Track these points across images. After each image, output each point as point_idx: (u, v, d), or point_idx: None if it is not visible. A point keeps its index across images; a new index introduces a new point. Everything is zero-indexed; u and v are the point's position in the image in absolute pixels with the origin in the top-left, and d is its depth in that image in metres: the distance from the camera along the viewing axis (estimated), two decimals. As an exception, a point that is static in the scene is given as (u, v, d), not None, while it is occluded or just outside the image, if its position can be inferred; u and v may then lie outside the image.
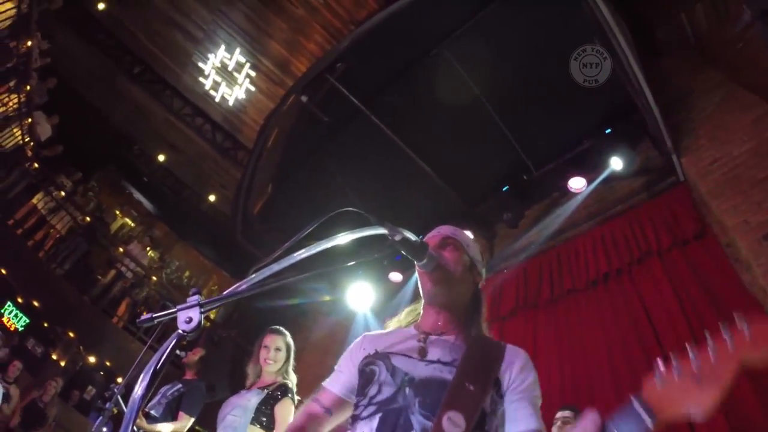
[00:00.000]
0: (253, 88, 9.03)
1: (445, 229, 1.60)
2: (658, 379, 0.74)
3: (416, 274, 1.50)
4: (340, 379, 1.47)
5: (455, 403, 1.19)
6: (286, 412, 2.90)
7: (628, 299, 4.47)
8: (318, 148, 5.54)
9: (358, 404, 1.32)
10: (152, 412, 4.03)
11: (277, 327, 3.32)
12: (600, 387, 4.21)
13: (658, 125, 4.29)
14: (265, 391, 2.98)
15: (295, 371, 3.23)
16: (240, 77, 8.95)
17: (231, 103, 9.40)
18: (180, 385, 4.22)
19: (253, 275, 1.20)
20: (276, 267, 1.21)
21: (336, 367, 1.53)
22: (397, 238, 1.21)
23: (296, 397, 3.05)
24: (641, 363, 4.03)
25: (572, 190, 5.06)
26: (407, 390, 1.25)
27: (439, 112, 5.07)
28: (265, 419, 2.88)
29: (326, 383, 1.50)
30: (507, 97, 4.92)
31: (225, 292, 1.23)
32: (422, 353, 1.35)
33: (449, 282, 1.44)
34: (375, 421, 1.23)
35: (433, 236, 1.56)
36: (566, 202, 5.22)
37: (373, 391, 1.30)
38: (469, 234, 1.64)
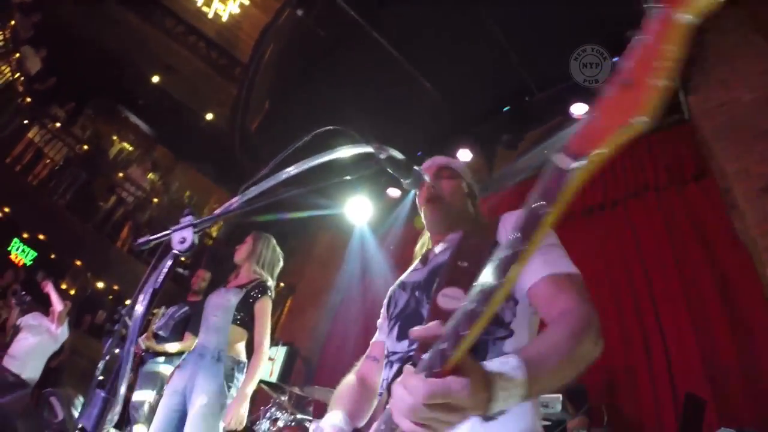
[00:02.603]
0: (247, 2, 8.62)
1: (439, 159, 1.60)
2: (583, 115, 0.49)
3: (412, 195, 1.50)
4: (381, 328, 1.51)
5: (449, 281, 1.19)
6: (265, 309, 2.97)
7: (620, 230, 4.52)
8: (315, 63, 5.32)
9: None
10: (160, 332, 4.27)
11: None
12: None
13: (667, 58, 4.09)
14: (243, 289, 2.99)
15: (276, 277, 3.20)
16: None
17: (225, 18, 9.00)
18: (186, 308, 4.48)
19: (245, 192, 1.22)
20: (266, 184, 1.23)
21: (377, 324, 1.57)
22: (383, 156, 1.22)
23: (272, 294, 3.08)
24: (626, 292, 4.16)
25: (574, 116, 4.95)
26: (417, 293, 1.31)
27: (442, 28, 4.81)
28: (245, 318, 2.93)
29: (373, 339, 1.54)
30: (512, 16, 4.68)
31: (216, 211, 1.25)
32: (425, 261, 1.42)
33: (449, 212, 1.47)
34: (395, 331, 1.31)
35: (428, 167, 1.56)
36: (567, 127, 5.13)
37: (391, 308, 1.39)
38: (463, 159, 1.63)
